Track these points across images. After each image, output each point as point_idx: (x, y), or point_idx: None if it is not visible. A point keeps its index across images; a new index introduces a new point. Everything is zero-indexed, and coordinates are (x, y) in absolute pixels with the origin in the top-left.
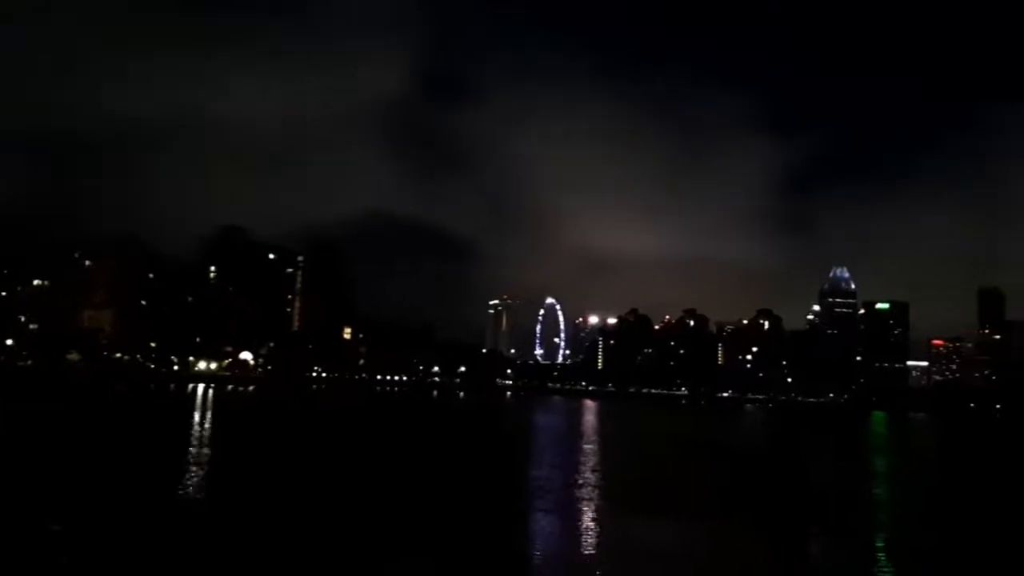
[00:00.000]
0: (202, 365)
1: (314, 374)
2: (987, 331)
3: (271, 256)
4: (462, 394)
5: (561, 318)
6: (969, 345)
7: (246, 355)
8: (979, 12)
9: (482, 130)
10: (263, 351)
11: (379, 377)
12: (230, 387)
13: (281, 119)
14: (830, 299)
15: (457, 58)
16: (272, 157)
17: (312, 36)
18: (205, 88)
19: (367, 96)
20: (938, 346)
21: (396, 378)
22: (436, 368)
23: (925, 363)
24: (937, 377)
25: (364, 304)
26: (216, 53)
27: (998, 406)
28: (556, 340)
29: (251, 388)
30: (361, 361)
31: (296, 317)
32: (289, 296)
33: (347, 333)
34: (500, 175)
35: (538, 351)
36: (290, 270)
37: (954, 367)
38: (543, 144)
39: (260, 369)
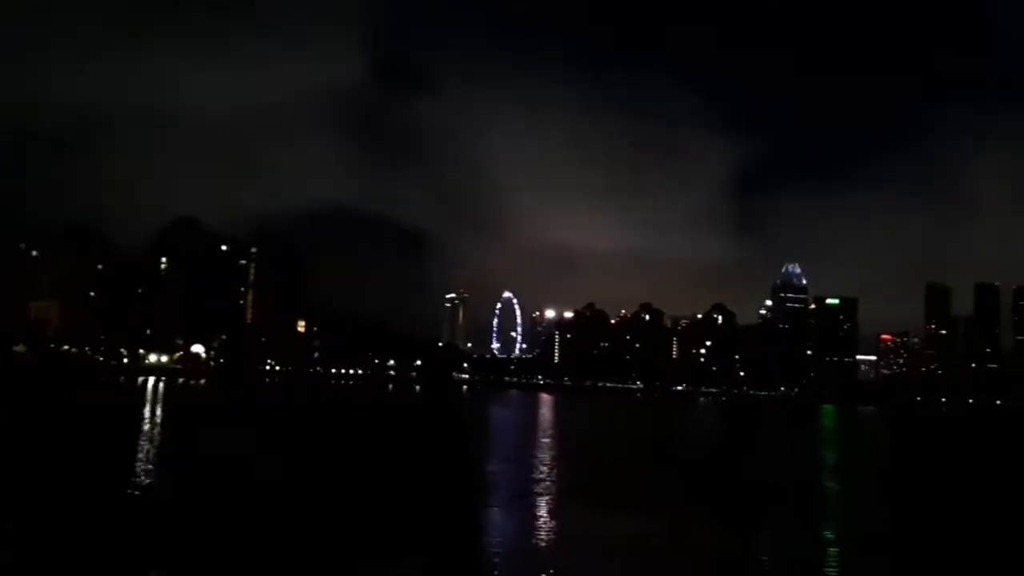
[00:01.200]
0: (153, 358)
1: (267, 367)
2: (933, 326)
3: (224, 248)
4: (418, 388)
5: (518, 312)
6: (916, 340)
7: (198, 348)
8: (928, 12)
9: (439, 122)
10: (215, 344)
11: (334, 371)
12: (181, 380)
13: (234, 110)
14: (782, 294)
15: (414, 49)
16: (225, 148)
17: (265, 25)
18: (157, 80)
19: (321, 87)
20: (886, 341)
21: (351, 372)
22: (392, 362)
23: (873, 357)
24: (885, 371)
25: (318, 297)
26: (168, 44)
27: (943, 399)
28: (513, 334)
29: (203, 381)
30: (315, 354)
31: (249, 310)
32: (242, 288)
33: (301, 326)
34: (457, 168)
35: (495, 345)
36: (243, 262)
37: (901, 361)
38: (501, 138)
39: (212, 362)
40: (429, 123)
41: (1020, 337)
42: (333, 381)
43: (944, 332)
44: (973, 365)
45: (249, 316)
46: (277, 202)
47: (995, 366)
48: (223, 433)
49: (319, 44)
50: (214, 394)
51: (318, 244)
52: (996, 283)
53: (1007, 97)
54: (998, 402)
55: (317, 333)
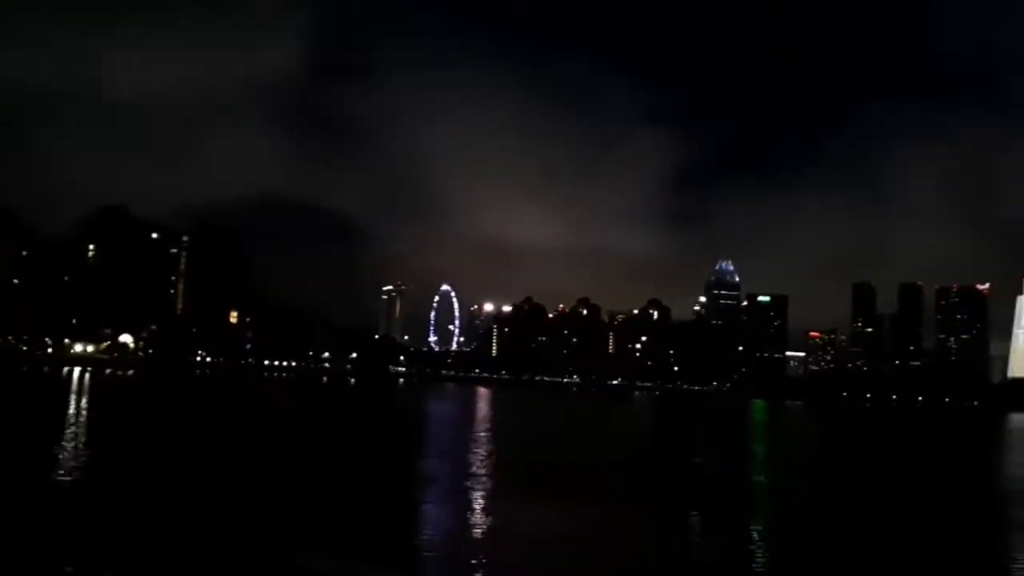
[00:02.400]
0: (79, 348)
1: (198, 358)
2: (859, 324)
3: (154, 236)
4: (353, 380)
5: (456, 305)
6: (843, 337)
7: (126, 338)
8: (861, 15)
9: (377, 113)
10: (144, 334)
11: (267, 362)
12: (108, 371)
13: (168, 96)
14: (715, 291)
15: (353, 38)
16: (159, 135)
17: (202, 11)
18: (91, 64)
19: (258, 75)
20: (814, 337)
21: (285, 363)
22: (327, 354)
23: (802, 354)
24: (813, 367)
25: (252, 287)
26: (102, 27)
27: (869, 395)
28: (451, 327)
29: (131, 372)
30: (248, 346)
31: (180, 299)
32: (172, 277)
33: (233, 316)
34: (395, 159)
35: (432, 338)
36: (174, 250)
37: (829, 358)
38: (440, 130)
39: (141, 352)
40: (367, 113)
41: (942, 335)
42: (266, 373)
43: (870, 330)
44: (897, 362)
45: (180, 306)
46: (211, 190)
47: (918, 363)
48: (152, 426)
49: (257, 32)
50: (144, 384)
51: (253, 234)
52: (920, 282)
53: (936, 99)
54: (920, 398)
55: (250, 324)
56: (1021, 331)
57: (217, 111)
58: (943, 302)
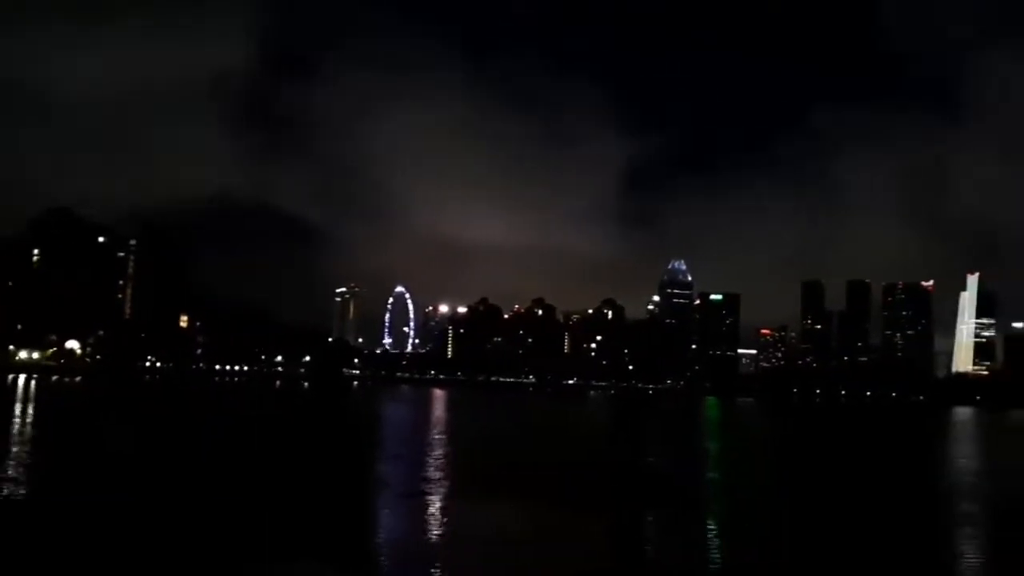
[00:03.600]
0: (24, 354)
1: (147, 364)
2: (809, 321)
3: (101, 239)
4: (306, 384)
5: (411, 307)
6: (793, 334)
7: (73, 344)
8: (812, 18)
9: (330, 112)
10: (91, 339)
11: (218, 366)
12: (55, 378)
13: (115, 96)
14: (669, 290)
15: (305, 36)
16: (106, 135)
17: (153, 8)
18: (38, 63)
19: (207, 73)
20: (765, 335)
21: (237, 367)
22: (280, 357)
23: (754, 351)
24: (764, 364)
25: (203, 291)
26: (52, 26)
27: (818, 391)
28: (405, 329)
29: (78, 379)
30: (199, 350)
31: (127, 303)
32: (120, 282)
33: (183, 320)
34: (348, 159)
35: (387, 340)
36: (121, 254)
37: (779, 355)
38: (395, 128)
39: (88, 359)
40: (320, 112)
41: (888, 332)
42: (217, 378)
43: (819, 327)
44: (846, 358)
45: (128, 310)
46: (160, 191)
47: (865, 359)
48: (101, 431)
49: (208, 30)
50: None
51: (203, 236)
52: (867, 280)
53: (885, 99)
54: (868, 393)
55: (201, 328)
56: (964, 327)
57: (167, 110)
58: (889, 299)
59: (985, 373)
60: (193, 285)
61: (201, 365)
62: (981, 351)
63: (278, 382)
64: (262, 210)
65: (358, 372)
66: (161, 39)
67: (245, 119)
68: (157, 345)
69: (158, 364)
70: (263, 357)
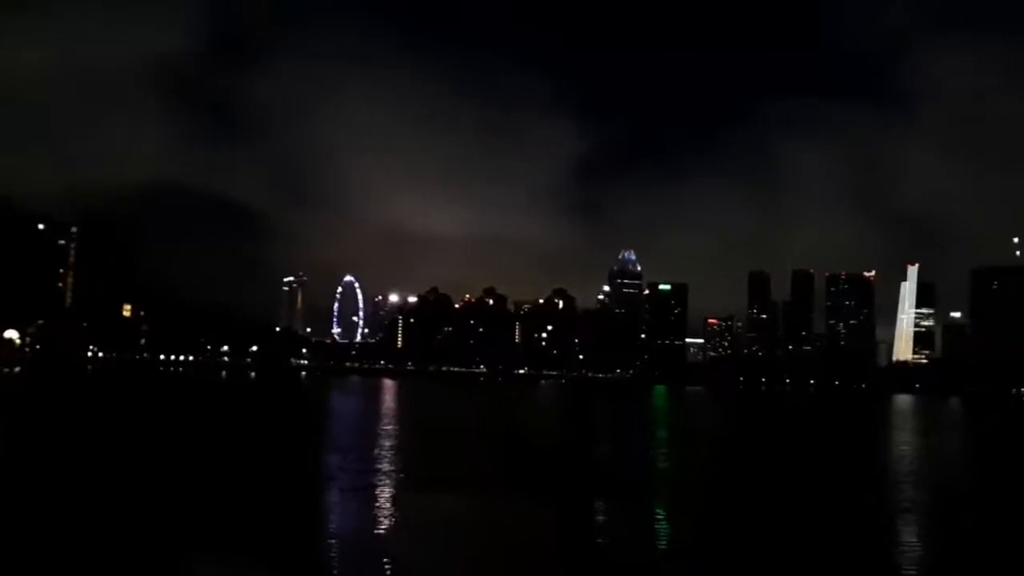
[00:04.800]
0: None
1: (89, 354)
2: (755, 311)
3: (40, 227)
4: (253, 374)
5: (360, 296)
6: (739, 324)
7: (11, 333)
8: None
9: (277, 99)
10: (31, 329)
11: (163, 356)
12: None
13: (55, 78)
14: (619, 280)
15: (253, 21)
16: (46, 119)
17: None
18: None
19: (153, 57)
20: (713, 324)
21: (182, 357)
22: (226, 347)
23: (701, 340)
24: (712, 353)
25: (147, 279)
26: None
27: (763, 379)
28: (354, 319)
29: (17, 370)
30: (143, 339)
31: (68, 292)
32: (60, 270)
33: (127, 310)
34: (296, 147)
35: (335, 330)
36: (62, 242)
37: (726, 344)
38: (343, 117)
39: (28, 349)
40: (267, 100)
41: (832, 321)
42: (161, 368)
43: (764, 316)
44: (790, 347)
45: (69, 300)
46: (102, 179)
47: (809, 348)
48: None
49: (152, 13)
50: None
51: (147, 223)
52: (811, 270)
53: (831, 91)
54: (812, 381)
55: (145, 317)
56: (904, 316)
57: (110, 96)
58: (833, 289)
59: (924, 361)
60: (137, 274)
61: (145, 355)
62: (920, 340)
63: (224, 372)
64: (209, 198)
65: (306, 362)
66: (105, 22)
67: (192, 106)
68: (99, 335)
69: (100, 354)
70: (209, 347)
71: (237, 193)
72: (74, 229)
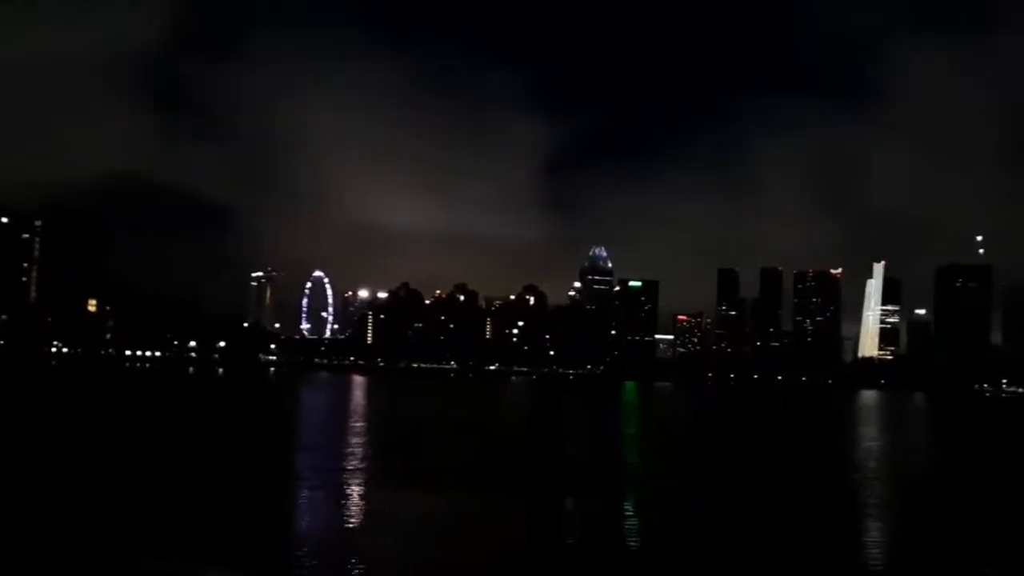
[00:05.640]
0: None
1: (54, 349)
2: (724, 307)
3: (4, 220)
4: (221, 371)
5: (329, 292)
6: (708, 320)
7: None
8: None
9: (246, 93)
10: None
11: (129, 352)
12: None
13: (20, 70)
14: (589, 277)
15: (221, 12)
16: (14, 113)
17: None
18: None
19: (120, 49)
20: (682, 321)
21: (149, 353)
22: (193, 343)
23: (671, 337)
24: (681, 349)
25: (114, 274)
26: None
27: (732, 375)
28: (324, 314)
29: None
30: (109, 335)
31: (33, 287)
32: (24, 264)
33: (92, 305)
34: (265, 141)
35: (304, 326)
36: (26, 236)
37: (696, 340)
38: (313, 111)
39: None
40: (238, 95)
41: (799, 317)
42: (128, 364)
43: (733, 313)
44: (758, 343)
45: (33, 294)
46: (69, 172)
47: (777, 344)
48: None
49: (119, 5)
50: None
51: (115, 218)
52: (779, 267)
53: (803, 90)
54: (779, 377)
55: (111, 312)
56: (871, 313)
57: (76, 87)
58: (800, 286)
59: (889, 358)
60: (103, 268)
61: (111, 351)
62: (886, 336)
63: (191, 368)
64: (177, 193)
65: (275, 358)
66: (69, 12)
67: (160, 98)
68: (64, 330)
69: (65, 350)
70: (176, 343)
71: (205, 188)
72: (38, 223)
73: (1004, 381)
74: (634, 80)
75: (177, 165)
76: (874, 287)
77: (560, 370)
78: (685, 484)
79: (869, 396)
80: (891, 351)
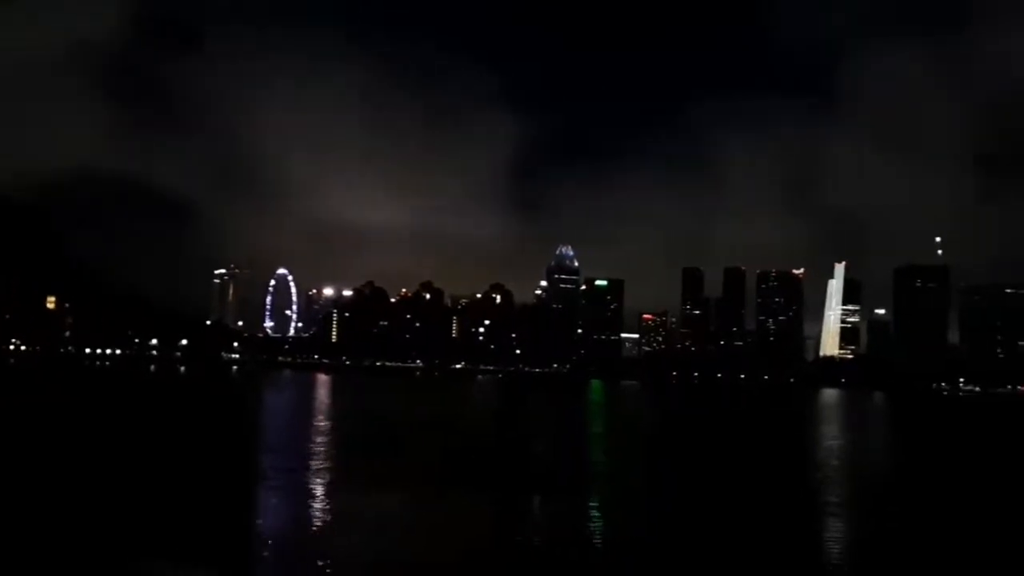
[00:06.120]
0: None
1: (11, 347)
2: (688, 307)
3: None
4: (183, 368)
5: (293, 289)
6: (673, 319)
7: None
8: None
9: (209, 85)
10: None
11: (89, 350)
12: None
13: None
14: (556, 275)
15: (188, 9)
16: None
17: None
18: None
19: (76, 40)
20: (647, 320)
21: (109, 351)
22: (155, 340)
23: (637, 335)
24: (646, 348)
25: (73, 270)
26: None
27: (696, 374)
28: (288, 312)
29: None
30: (68, 332)
31: None
32: None
33: (51, 302)
34: (229, 135)
35: (268, 324)
36: None
37: (661, 339)
38: (279, 108)
39: None
40: (202, 88)
41: (762, 317)
42: (87, 362)
43: (697, 312)
44: (722, 342)
45: None
46: (25, 165)
47: (741, 343)
48: None
49: None
50: None
51: (74, 213)
52: (743, 267)
53: (767, 90)
54: (743, 376)
55: (71, 310)
56: (832, 313)
57: (33, 77)
58: (763, 286)
59: (850, 356)
60: (62, 264)
61: (70, 348)
62: (846, 336)
63: (153, 366)
64: (139, 187)
65: (238, 356)
66: (28, 5)
67: (120, 89)
68: (22, 327)
69: (23, 347)
70: (137, 340)
71: (168, 183)
72: None
73: (961, 380)
74: (601, 80)
75: (140, 160)
76: (835, 287)
77: (526, 369)
78: (650, 483)
79: (830, 395)
80: (852, 350)
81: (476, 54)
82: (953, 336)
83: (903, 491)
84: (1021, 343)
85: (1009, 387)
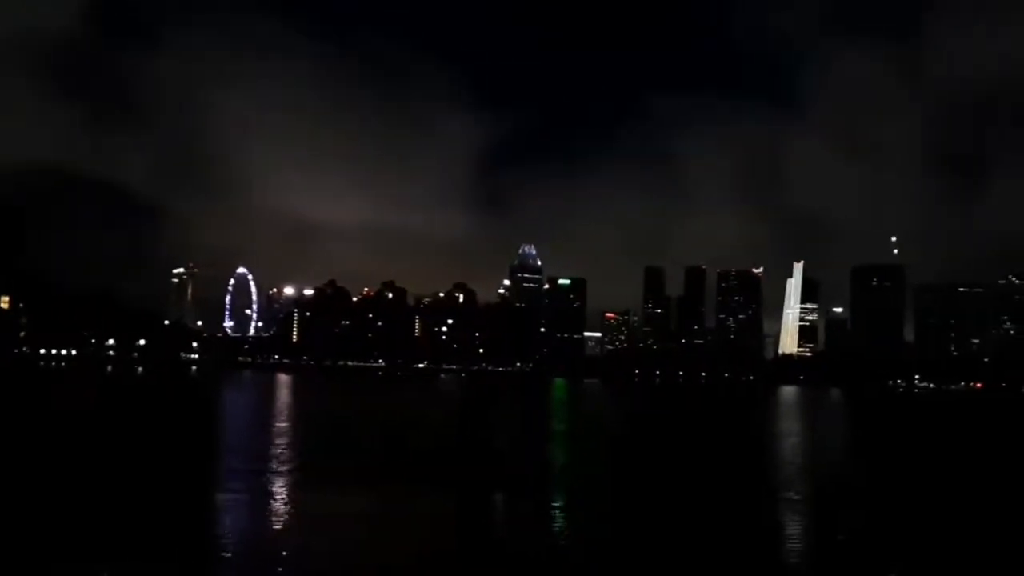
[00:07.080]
0: None
1: None
2: (650, 305)
3: None
4: (140, 369)
5: (253, 288)
6: (635, 318)
7: None
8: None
9: (172, 84)
10: None
11: (44, 351)
12: None
13: None
14: (519, 274)
15: (147, 4)
16: None
17: None
18: None
19: (35, 36)
20: (610, 319)
21: (65, 352)
22: (112, 341)
23: (599, 334)
24: (609, 346)
25: (27, 269)
26: None
27: (658, 372)
28: (248, 311)
29: None
30: (22, 332)
31: None
32: None
33: (4, 302)
34: (189, 133)
35: (228, 323)
36: None
37: (623, 337)
38: (240, 105)
39: None
40: (161, 85)
41: (722, 315)
42: (42, 363)
43: (659, 311)
44: (683, 340)
45: None
46: None
47: (701, 341)
48: None
49: None
50: None
51: (28, 211)
52: (703, 266)
53: (730, 90)
54: (703, 374)
55: (25, 309)
56: (790, 311)
57: None
58: (723, 285)
59: (808, 354)
60: (16, 263)
61: (25, 349)
62: (805, 334)
63: (110, 367)
64: (95, 185)
65: (197, 357)
66: None
67: (77, 86)
68: None
69: None
70: (94, 341)
71: (124, 179)
72: None
73: (916, 377)
74: (563, 79)
75: (95, 157)
76: (794, 286)
77: (490, 367)
78: (614, 481)
79: (789, 392)
80: (810, 348)
81: (439, 52)
82: (908, 334)
83: (860, 487)
84: (974, 341)
85: (963, 384)
